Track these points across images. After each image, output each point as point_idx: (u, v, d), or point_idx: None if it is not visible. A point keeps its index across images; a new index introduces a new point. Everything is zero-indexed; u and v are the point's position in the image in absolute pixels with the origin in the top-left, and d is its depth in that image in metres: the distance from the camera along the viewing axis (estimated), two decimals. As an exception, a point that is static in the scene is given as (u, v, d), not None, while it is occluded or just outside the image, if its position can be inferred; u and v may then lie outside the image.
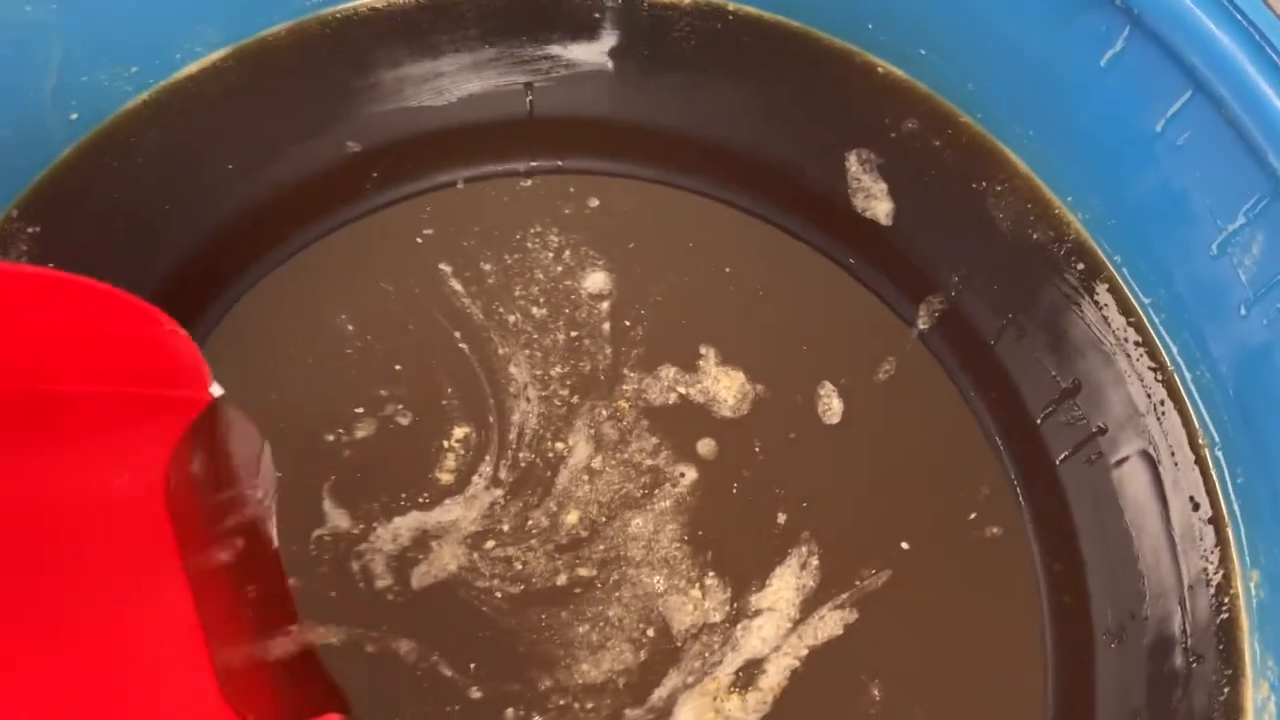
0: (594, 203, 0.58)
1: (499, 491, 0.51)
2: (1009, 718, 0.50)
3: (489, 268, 0.56)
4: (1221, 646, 0.50)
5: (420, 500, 0.51)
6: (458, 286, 0.55)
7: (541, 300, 0.55)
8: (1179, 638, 0.50)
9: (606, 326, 0.55)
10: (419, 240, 0.57)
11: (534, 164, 0.59)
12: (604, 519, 0.51)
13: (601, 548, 0.50)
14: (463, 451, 0.52)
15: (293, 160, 0.58)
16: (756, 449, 0.53)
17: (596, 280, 0.56)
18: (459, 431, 0.52)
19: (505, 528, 0.51)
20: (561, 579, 0.50)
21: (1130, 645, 0.50)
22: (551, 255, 0.57)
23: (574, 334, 0.55)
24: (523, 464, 0.52)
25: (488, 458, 0.52)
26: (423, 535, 0.51)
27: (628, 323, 0.55)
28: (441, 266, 0.56)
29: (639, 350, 0.54)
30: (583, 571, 0.50)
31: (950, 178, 0.58)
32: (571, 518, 0.51)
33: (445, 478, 0.52)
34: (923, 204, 0.58)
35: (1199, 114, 0.49)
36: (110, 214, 0.56)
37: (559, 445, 0.52)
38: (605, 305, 0.55)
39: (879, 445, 0.54)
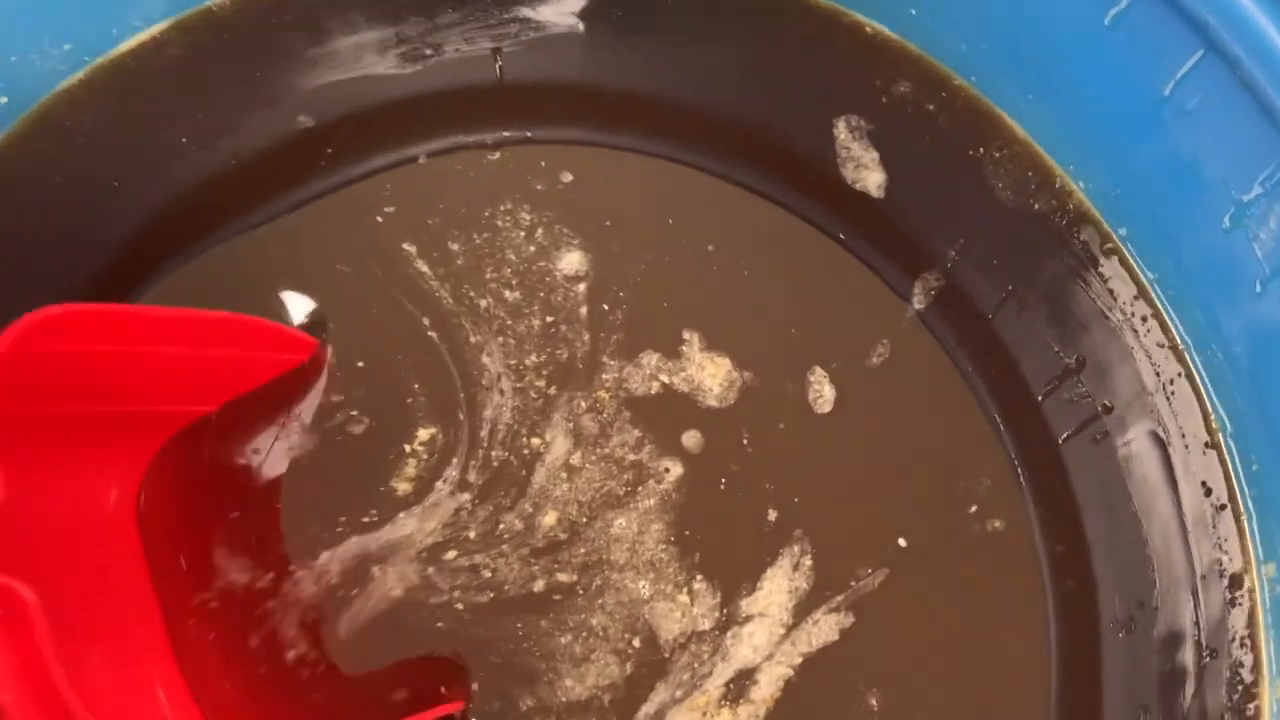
0: (567, 177, 0.54)
1: (466, 496, 0.48)
2: (1013, 717, 0.47)
3: (457, 248, 0.52)
4: (1237, 642, 0.47)
5: (365, 521, 0.47)
6: (424, 268, 0.52)
7: (514, 283, 0.52)
8: (1191, 631, 0.48)
9: (584, 311, 0.52)
10: (379, 219, 0.53)
11: (503, 135, 0.55)
12: (585, 520, 0.48)
13: (583, 550, 0.48)
14: (426, 456, 0.49)
15: (242, 138, 0.54)
16: (744, 441, 0.50)
17: (572, 260, 0.53)
18: (424, 433, 0.49)
19: (472, 534, 0.48)
20: (539, 585, 0.47)
21: (1139, 636, 0.48)
22: (523, 234, 0.53)
23: (550, 319, 0.52)
24: (495, 463, 0.49)
25: (455, 460, 0.49)
26: (363, 560, 0.47)
27: (606, 306, 0.52)
28: (406, 247, 0.52)
29: (619, 336, 0.51)
30: (562, 577, 0.47)
31: (945, 145, 0.55)
32: (549, 519, 0.48)
33: (403, 487, 0.48)
34: (916, 173, 0.54)
35: (1211, 76, 0.46)
36: (47, 200, 0.52)
37: (535, 441, 0.49)
38: (582, 288, 0.52)
39: (873, 434, 0.51)
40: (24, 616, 0.31)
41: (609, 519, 0.48)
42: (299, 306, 0.51)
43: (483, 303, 0.51)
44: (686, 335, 0.51)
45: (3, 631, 0.32)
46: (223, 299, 0.50)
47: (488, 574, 0.47)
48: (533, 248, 0.53)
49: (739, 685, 0.46)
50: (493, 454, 0.49)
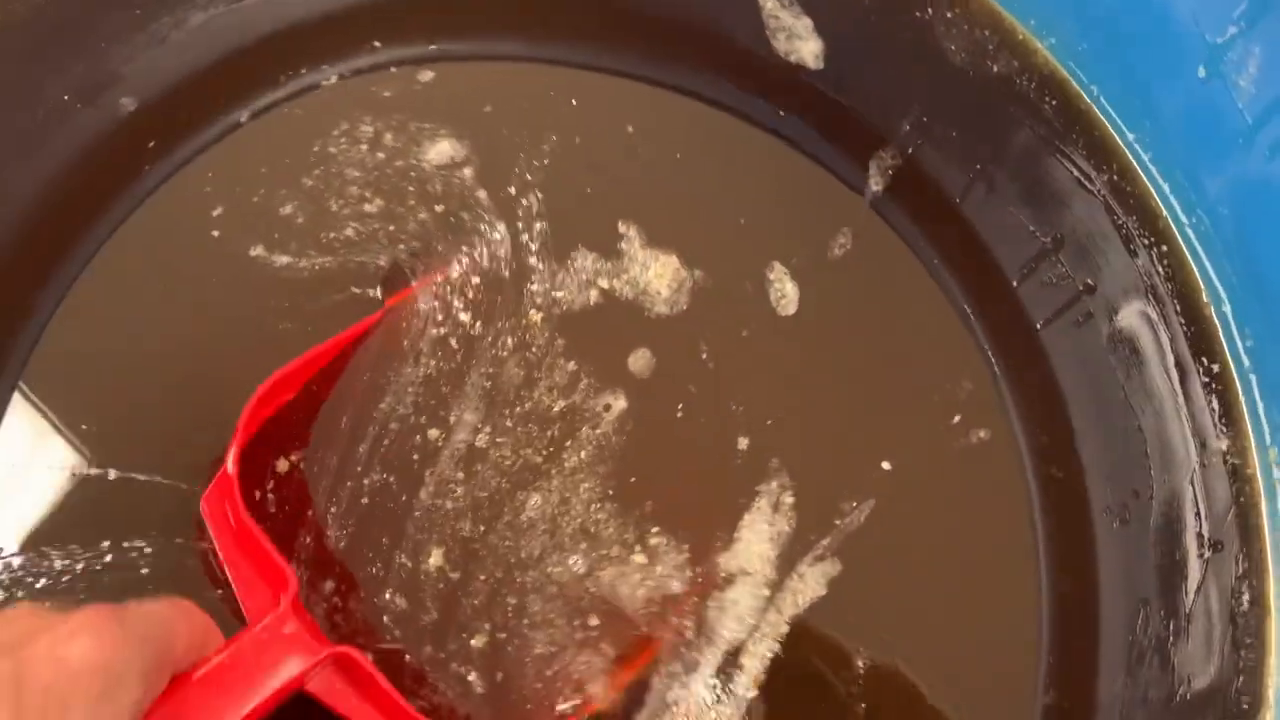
0: (426, 75, 0.45)
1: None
2: (1005, 638, 0.42)
3: (290, 210, 0.42)
4: (1241, 533, 0.43)
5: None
6: (284, 259, 0.41)
7: (369, 194, 0.42)
8: (1191, 522, 0.43)
9: (482, 195, 0.42)
10: (215, 234, 0.41)
11: (343, 63, 0.45)
12: (482, 529, 0.38)
13: (481, 578, 0.37)
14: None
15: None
16: (703, 355, 0.41)
17: (441, 150, 0.43)
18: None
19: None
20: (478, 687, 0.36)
21: (1135, 526, 0.43)
22: (365, 147, 0.43)
23: (440, 208, 0.42)
24: (362, 500, 0.37)
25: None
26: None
27: (512, 190, 0.42)
28: (253, 253, 0.41)
29: (542, 225, 0.42)
30: (476, 643, 0.37)
31: (888, 6, 0.48)
32: (433, 561, 0.37)
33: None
34: (858, 39, 0.48)
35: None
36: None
37: (433, 433, 0.39)
38: (467, 172, 0.43)
39: (845, 336, 0.44)
40: (363, 673, 0.33)
41: (519, 504, 0.38)
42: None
43: (348, 232, 0.41)
44: (623, 228, 0.42)
45: (358, 692, 0.34)
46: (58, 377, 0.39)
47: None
48: (380, 154, 0.43)
49: (726, 672, 0.37)
50: (366, 481, 0.38)
